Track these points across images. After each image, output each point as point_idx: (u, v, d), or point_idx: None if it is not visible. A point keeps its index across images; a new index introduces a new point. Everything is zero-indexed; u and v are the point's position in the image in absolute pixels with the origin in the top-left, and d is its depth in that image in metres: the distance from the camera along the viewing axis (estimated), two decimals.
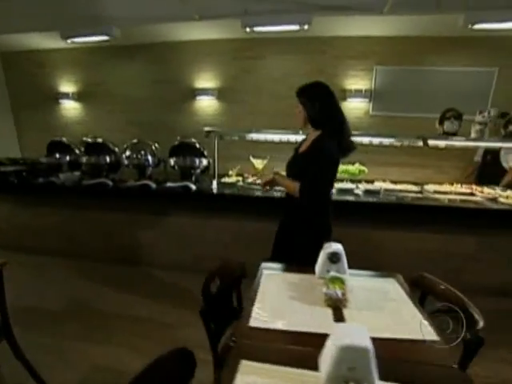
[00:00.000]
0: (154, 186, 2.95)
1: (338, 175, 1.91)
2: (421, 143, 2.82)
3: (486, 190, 2.83)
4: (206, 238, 2.93)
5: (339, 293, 1.21)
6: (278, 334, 1.06)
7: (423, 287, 1.41)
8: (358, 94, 4.20)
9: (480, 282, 2.46)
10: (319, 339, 1.05)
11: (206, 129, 2.99)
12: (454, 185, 3.03)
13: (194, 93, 4.55)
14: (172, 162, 2.95)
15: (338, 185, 2.86)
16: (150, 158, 3.04)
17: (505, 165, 3.30)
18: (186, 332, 2.17)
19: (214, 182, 2.99)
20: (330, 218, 1.84)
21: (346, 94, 4.23)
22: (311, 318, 1.14)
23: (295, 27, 3.39)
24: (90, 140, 3.40)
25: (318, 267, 1.46)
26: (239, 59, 4.36)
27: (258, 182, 2.97)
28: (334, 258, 1.38)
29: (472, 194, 2.82)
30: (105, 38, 3.84)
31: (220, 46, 4.33)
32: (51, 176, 3.15)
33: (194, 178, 3.00)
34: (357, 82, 4.23)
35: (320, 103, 1.73)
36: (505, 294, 2.41)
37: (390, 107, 4.23)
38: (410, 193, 2.84)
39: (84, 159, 3.05)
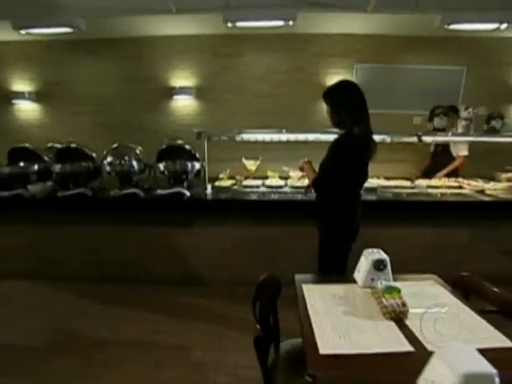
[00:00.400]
0: (142, 194, 2.69)
1: None
2: (404, 139, 3.01)
3: (473, 182, 2.97)
4: (204, 248, 2.73)
5: (400, 303, 1.14)
6: (353, 360, 0.96)
7: (466, 288, 1.40)
8: None
9: (476, 271, 2.56)
10: (398, 359, 0.97)
11: (196, 130, 2.79)
12: (443, 179, 3.15)
13: (171, 92, 4.26)
14: (162, 166, 2.69)
15: None
16: (135, 163, 2.76)
17: (454, 154, 3.45)
18: (198, 354, 1.99)
19: (209, 187, 2.79)
20: (354, 218, 1.81)
21: None
22: (380, 336, 1.05)
23: (280, 23, 3.28)
24: (60, 145, 3.02)
25: (360, 276, 1.38)
26: (219, 56, 4.15)
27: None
28: (380, 265, 1.30)
29: (460, 187, 2.95)
30: (67, 30, 3.40)
31: (198, 42, 4.08)
32: (16, 188, 2.73)
33: (186, 184, 2.78)
34: (338, 79, 4.24)
35: (337, 106, 1.83)
36: (496, 281, 2.54)
37: (370, 104, 4.30)
38: (404, 189, 2.90)
39: (57, 167, 2.67)
